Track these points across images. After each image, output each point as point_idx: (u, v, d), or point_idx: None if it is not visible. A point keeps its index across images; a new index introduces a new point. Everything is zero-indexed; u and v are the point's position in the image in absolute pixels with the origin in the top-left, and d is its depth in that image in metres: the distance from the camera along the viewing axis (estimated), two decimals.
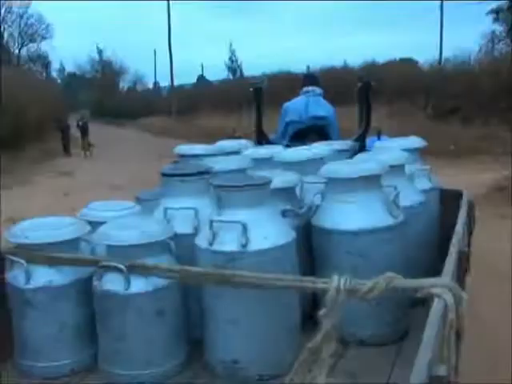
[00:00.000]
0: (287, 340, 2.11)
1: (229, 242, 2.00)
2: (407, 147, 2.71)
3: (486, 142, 15.10)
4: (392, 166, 2.28)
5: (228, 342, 2.07)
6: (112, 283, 2.03)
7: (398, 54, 27.72)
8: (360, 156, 2.62)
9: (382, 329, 2.25)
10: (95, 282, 2.07)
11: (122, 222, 2.19)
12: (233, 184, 2.06)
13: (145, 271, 2.02)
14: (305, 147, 2.96)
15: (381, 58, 24.31)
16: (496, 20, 25.79)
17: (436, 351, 1.35)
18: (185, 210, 2.28)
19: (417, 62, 23.25)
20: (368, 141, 3.59)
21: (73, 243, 2.20)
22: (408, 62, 23.59)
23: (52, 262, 2.11)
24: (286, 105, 4.39)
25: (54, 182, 13.49)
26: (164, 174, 2.41)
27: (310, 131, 4.16)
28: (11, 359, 2.24)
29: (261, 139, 4.20)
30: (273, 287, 1.88)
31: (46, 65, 44.83)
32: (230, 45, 43.57)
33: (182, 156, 3.00)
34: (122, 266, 1.99)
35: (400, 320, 2.30)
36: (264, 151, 2.94)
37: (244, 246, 1.97)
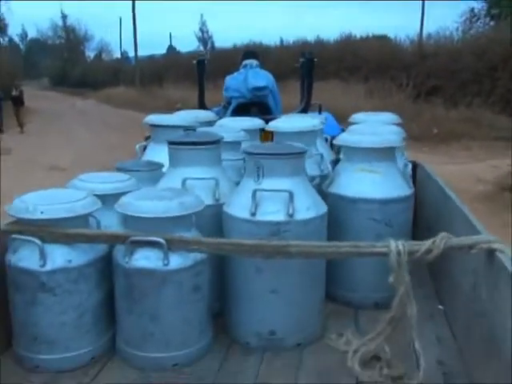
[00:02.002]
0: (320, 307, 2.14)
1: (274, 212, 1.94)
2: (386, 122, 2.84)
3: (469, 125, 13.53)
4: None
5: (266, 314, 2.03)
6: (147, 260, 1.86)
7: (376, 30, 25.40)
8: (356, 128, 2.66)
9: (389, 291, 2.38)
10: (124, 259, 1.87)
11: (147, 193, 2.00)
12: (276, 152, 2.00)
13: (187, 246, 1.88)
14: (297, 117, 2.94)
15: (358, 34, 22.23)
16: None
17: None
18: (199, 180, 2.16)
19: (391, 40, 21.27)
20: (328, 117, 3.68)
21: (85, 218, 1.95)
22: (383, 39, 21.84)
23: (73, 240, 1.85)
24: (226, 79, 4.31)
25: None
26: (174, 143, 2.23)
27: (252, 105, 4.15)
28: (9, 353, 1.95)
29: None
30: (331, 256, 1.89)
31: (3, 28, 37.58)
32: (201, 15, 42.75)
33: (154, 126, 2.81)
34: (162, 241, 1.83)
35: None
36: (252, 122, 2.86)
37: (291, 215, 1.94)
